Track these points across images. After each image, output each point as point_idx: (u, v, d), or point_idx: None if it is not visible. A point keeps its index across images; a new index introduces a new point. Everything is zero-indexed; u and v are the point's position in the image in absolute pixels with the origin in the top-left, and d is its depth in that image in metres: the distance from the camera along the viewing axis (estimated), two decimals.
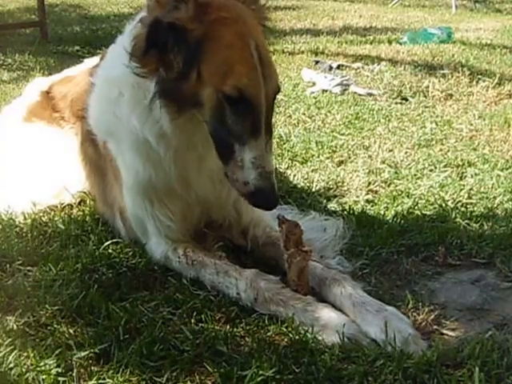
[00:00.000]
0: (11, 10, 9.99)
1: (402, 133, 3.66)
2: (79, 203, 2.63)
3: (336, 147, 3.36)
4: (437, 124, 3.83)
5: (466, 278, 2.09)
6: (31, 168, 2.65)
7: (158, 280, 2.07)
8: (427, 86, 4.68)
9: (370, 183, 2.85)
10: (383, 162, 3.12)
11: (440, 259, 2.18)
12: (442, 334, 1.79)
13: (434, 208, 2.56)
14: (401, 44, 6.76)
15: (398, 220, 2.43)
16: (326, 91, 4.67)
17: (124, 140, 2.12)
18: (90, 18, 9.58)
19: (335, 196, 2.76)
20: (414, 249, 2.24)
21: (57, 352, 1.65)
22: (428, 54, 5.89)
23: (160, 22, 1.80)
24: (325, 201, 2.69)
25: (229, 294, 1.93)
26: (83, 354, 1.65)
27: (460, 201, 2.62)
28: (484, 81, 4.74)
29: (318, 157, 3.24)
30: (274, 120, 1.95)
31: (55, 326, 1.80)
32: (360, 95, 4.58)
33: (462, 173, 2.97)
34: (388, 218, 2.47)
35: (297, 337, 1.71)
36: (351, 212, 2.53)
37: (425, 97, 4.51)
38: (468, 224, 2.40)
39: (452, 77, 4.87)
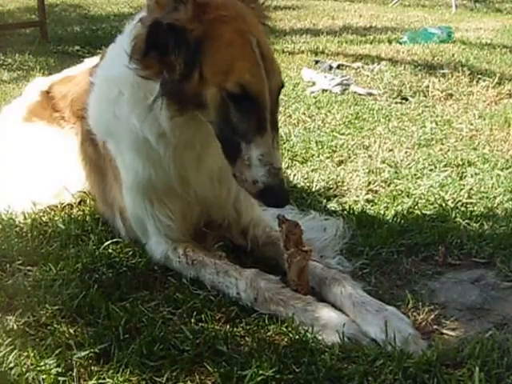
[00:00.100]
0: (11, 9, 9.99)
1: (402, 132, 3.66)
2: (79, 203, 2.64)
3: (336, 147, 3.36)
4: (437, 124, 3.83)
5: (466, 277, 2.09)
6: (31, 168, 2.65)
7: (158, 280, 2.07)
8: (427, 86, 4.68)
9: (369, 183, 2.85)
10: (383, 162, 3.12)
11: (440, 259, 2.18)
12: (442, 333, 1.79)
13: (434, 208, 2.56)
14: (401, 44, 6.76)
15: (398, 220, 2.43)
16: (326, 91, 4.67)
17: (123, 140, 2.12)
18: (90, 17, 9.58)
19: (335, 196, 2.76)
20: (414, 248, 2.24)
21: (57, 352, 1.65)
22: (428, 53, 5.89)
23: (159, 24, 1.79)
24: (325, 200, 2.69)
25: (229, 293, 1.93)
26: (83, 353, 1.65)
27: (460, 200, 2.62)
28: (484, 80, 4.74)
29: (318, 156, 3.24)
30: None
31: (55, 325, 1.80)
32: (360, 95, 4.58)
33: (462, 172, 2.97)
34: (388, 217, 2.47)
35: (297, 336, 1.71)
36: (351, 212, 2.53)
37: (425, 96, 4.52)
38: (468, 224, 2.40)
39: (452, 76, 4.87)
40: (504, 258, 2.16)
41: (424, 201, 2.62)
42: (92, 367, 1.63)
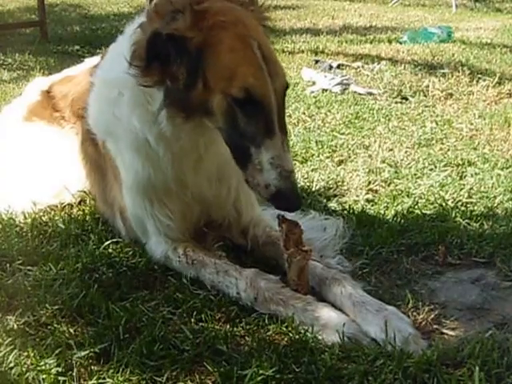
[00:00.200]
0: (11, 9, 10.00)
1: (402, 132, 3.66)
2: (79, 203, 2.64)
3: (336, 146, 3.36)
4: (437, 123, 3.83)
5: (466, 277, 2.09)
6: (31, 167, 2.65)
7: (158, 279, 2.07)
8: (427, 86, 4.68)
9: (370, 182, 2.85)
10: (383, 162, 3.12)
11: (440, 258, 2.18)
12: (442, 333, 1.79)
13: (434, 207, 2.56)
14: (401, 43, 6.77)
15: (398, 219, 2.43)
16: (326, 90, 4.67)
17: (123, 139, 2.11)
18: (90, 17, 9.59)
19: (335, 195, 2.76)
20: (414, 248, 2.24)
21: (57, 351, 1.65)
22: (428, 53, 5.90)
23: (159, 35, 1.79)
24: (325, 200, 2.69)
25: (229, 293, 1.93)
26: (83, 353, 1.65)
27: (460, 200, 2.62)
28: (484, 80, 4.74)
29: (318, 156, 3.24)
30: None
31: (55, 325, 1.80)
32: (360, 94, 4.58)
33: (462, 172, 2.97)
34: (388, 217, 2.47)
35: (297, 336, 1.71)
36: (351, 211, 2.53)
37: (425, 96, 4.52)
38: (468, 223, 2.39)
39: (452, 76, 4.87)
40: (504, 257, 2.16)
41: (424, 200, 2.62)
42: (92, 367, 1.63)
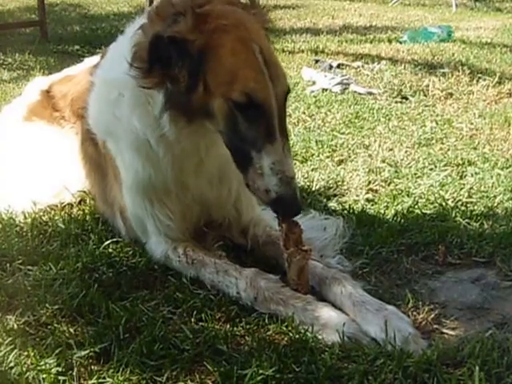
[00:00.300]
0: (11, 9, 9.99)
1: (402, 132, 3.66)
2: (79, 202, 2.64)
3: (336, 146, 3.36)
4: (437, 123, 3.83)
5: (466, 277, 2.09)
6: (31, 167, 2.65)
7: (158, 279, 2.07)
8: (427, 85, 4.68)
9: (370, 182, 2.85)
10: (383, 161, 3.12)
11: (440, 258, 2.18)
12: (442, 333, 1.79)
13: (434, 207, 2.56)
14: (401, 43, 6.76)
15: (398, 219, 2.43)
16: (326, 90, 4.67)
17: (123, 139, 2.11)
18: (90, 17, 9.58)
19: (335, 195, 2.76)
20: (414, 248, 2.24)
21: (57, 351, 1.65)
22: (428, 52, 5.89)
23: (161, 38, 1.78)
24: (325, 200, 2.69)
25: (229, 293, 1.93)
26: (83, 353, 1.65)
27: (460, 200, 2.62)
28: (484, 80, 4.74)
29: (318, 156, 3.24)
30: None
31: (55, 325, 1.80)
32: (360, 94, 4.58)
33: (462, 172, 2.97)
34: (388, 217, 2.47)
35: (297, 336, 1.71)
36: (351, 211, 2.53)
37: (425, 96, 4.52)
38: (468, 223, 2.40)
39: (452, 76, 4.87)
40: (504, 257, 2.16)
41: (424, 200, 2.62)
42: (92, 366, 1.63)
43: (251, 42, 1.81)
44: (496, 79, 4.71)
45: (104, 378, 1.58)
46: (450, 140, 3.49)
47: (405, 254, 2.20)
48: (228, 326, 1.80)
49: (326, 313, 1.77)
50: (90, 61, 2.77)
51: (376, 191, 2.79)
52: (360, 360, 1.60)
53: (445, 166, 3.05)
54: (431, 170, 3.01)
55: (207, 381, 1.59)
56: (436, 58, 5.69)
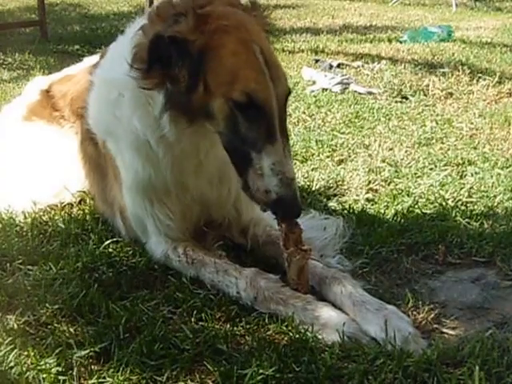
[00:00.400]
0: (11, 9, 9.99)
1: (402, 131, 3.66)
2: (79, 202, 2.64)
3: (336, 146, 3.36)
4: (437, 123, 3.83)
5: (466, 276, 2.09)
6: (31, 167, 2.65)
7: (158, 279, 2.07)
8: (427, 85, 4.68)
9: (370, 182, 2.85)
10: (383, 161, 3.12)
11: (440, 258, 2.18)
12: (442, 332, 1.79)
13: (434, 207, 2.56)
14: (401, 42, 6.76)
15: (398, 219, 2.43)
16: (326, 90, 4.67)
17: (123, 139, 2.11)
18: (90, 16, 9.58)
19: (335, 195, 2.76)
20: (414, 247, 2.24)
21: (57, 351, 1.65)
22: (428, 52, 5.89)
23: (161, 37, 1.78)
24: (325, 199, 2.69)
25: (229, 292, 1.93)
26: (83, 352, 1.65)
27: (460, 199, 2.62)
28: (484, 79, 4.74)
29: (318, 155, 3.24)
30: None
31: (55, 324, 1.80)
32: (360, 94, 4.58)
33: (462, 171, 2.97)
34: (388, 216, 2.47)
35: (297, 335, 1.71)
36: (351, 211, 2.53)
37: (425, 95, 4.51)
38: (468, 223, 2.40)
39: (452, 75, 4.87)
40: (504, 256, 2.16)
41: (424, 200, 2.62)
42: (92, 366, 1.63)
43: (252, 42, 1.81)
44: (496, 79, 4.71)
45: (104, 377, 1.58)
46: (450, 140, 3.49)
47: (405, 254, 2.20)
48: (228, 326, 1.80)
49: (326, 312, 1.77)
50: (90, 60, 2.77)
51: (376, 191, 2.79)
52: (360, 360, 1.60)
53: (445, 165, 3.05)
54: (431, 169, 3.01)
55: (207, 380, 1.59)
56: (436, 57, 5.69)
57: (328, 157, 3.22)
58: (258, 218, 2.23)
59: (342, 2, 11.08)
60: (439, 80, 4.78)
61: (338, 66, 5.48)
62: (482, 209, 2.54)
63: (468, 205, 2.58)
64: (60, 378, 1.57)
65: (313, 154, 3.25)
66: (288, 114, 1.92)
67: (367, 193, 2.76)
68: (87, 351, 1.65)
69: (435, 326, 1.82)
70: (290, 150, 1.87)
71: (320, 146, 3.35)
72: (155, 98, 1.92)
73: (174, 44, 1.78)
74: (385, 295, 1.94)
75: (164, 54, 1.79)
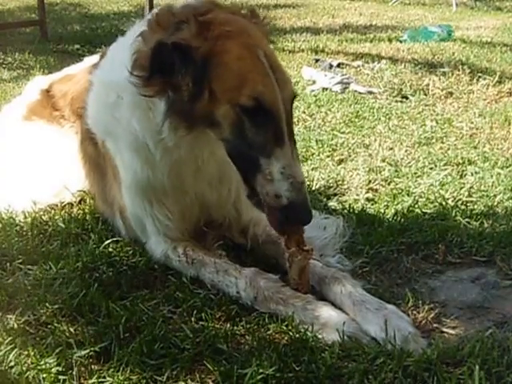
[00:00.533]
0: (11, 8, 9.99)
1: (403, 131, 3.66)
2: (79, 202, 2.64)
3: (336, 145, 3.36)
4: (437, 122, 3.83)
5: (466, 276, 2.09)
6: (31, 167, 2.65)
7: (159, 279, 2.07)
8: (427, 84, 4.68)
9: (370, 181, 2.85)
10: (383, 161, 3.12)
11: (440, 257, 2.18)
12: (442, 332, 1.79)
13: (434, 206, 2.56)
14: (401, 42, 6.76)
15: (398, 218, 2.43)
16: (327, 89, 4.67)
17: (122, 140, 2.11)
18: (90, 16, 9.57)
19: (335, 194, 2.76)
20: (414, 247, 2.24)
21: (57, 351, 1.65)
22: (428, 52, 5.89)
23: (164, 45, 1.77)
24: (325, 199, 2.69)
25: (229, 292, 1.93)
26: (83, 352, 1.65)
27: (460, 199, 2.62)
28: (484, 79, 4.74)
29: (318, 155, 3.24)
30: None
31: (55, 324, 1.80)
32: (360, 93, 4.58)
33: (463, 171, 2.97)
34: (388, 216, 2.47)
35: (297, 335, 1.71)
36: (351, 210, 2.53)
37: (425, 95, 4.52)
38: (468, 222, 2.40)
39: (452, 75, 4.87)
40: (504, 256, 2.16)
41: (424, 199, 2.62)
42: (92, 366, 1.63)
43: (256, 47, 1.81)
44: (496, 78, 4.71)
45: (104, 377, 1.58)
46: (450, 139, 3.49)
47: (405, 253, 2.20)
48: (228, 326, 1.80)
49: (326, 312, 1.77)
50: (90, 60, 2.77)
51: (376, 190, 2.79)
52: (360, 359, 1.60)
53: (445, 165, 3.05)
54: (431, 169, 3.01)
55: (207, 380, 1.59)
56: (436, 57, 5.68)
57: (328, 156, 3.22)
58: (257, 218, 2.22)
59: (342, 2, 11.07)
60: (439, 79, 4.78)
61: (338, 65, 5.48)
62: (482, 208, 2.54)
63: (468, 204, 2.58)
64: (60, 377, 1.57)
65: (313, 154, 3.25)
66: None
67: (367, 192, 2.75)
68: (87, 351, 1.65)
69: (435, 325, 1.82)
70: (298, 154, 1.86)
71: (320, 145, 3.35)
72: (156, 105, 1.91)
73: (177, 51, 1.77)
74: (385, 295, 1.94)
75: (167, 61, 1.77)
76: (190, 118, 1.85)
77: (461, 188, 2.72)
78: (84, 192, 2.63)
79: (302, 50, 6.27)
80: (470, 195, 2.67)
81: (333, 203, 2.65)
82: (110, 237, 2.28)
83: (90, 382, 1.57)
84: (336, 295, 1.86)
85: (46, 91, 2.85)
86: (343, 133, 3.61)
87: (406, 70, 5.16)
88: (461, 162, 3.08)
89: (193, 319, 1.82)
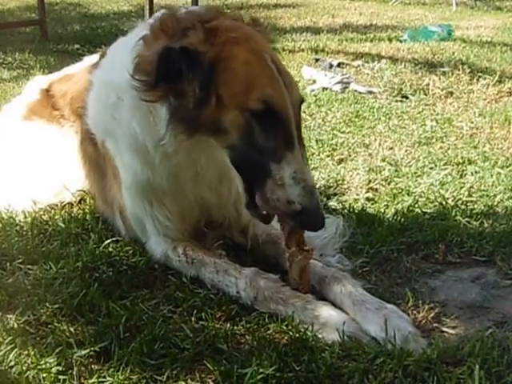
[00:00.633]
0: (11, 8, 9.98)
1: (403, 131, 3.66)
2: (79, 202, 2.63)
3: (336, 145, 3.36)
4: (437, 122, 3.83)
5: (466, 275, 2.09)
6: (31, 166, 2.65)
7: (159, 278, 2.07)
8: (427, 84, 4.68)
9: (370, 181, 2.85)
10: (383, 160, 3.12)
11: (440, 257, 2.18)
12: (442, 331, 1.79)
13: (434, 206, 2.56)
14: (401, 42, 6.76)
15: (398, 218, 2.43)
16: (327, 89, 4.67)
17: (122, 140, 2.11)
18: (90, 16, 9.57)
19: (335, 194, 2.76)
20: (414, 247, 2.24)
21: (57, 350, 1.65)
22: (428, 51, 5.89)
23: (171, 50, 1.76)
24: (325, 199, 2.69)
25: (229, 292, 1.93)
26: (84, 352, 1.65)
27: (460, 199, 2.62)
28: (484, 78, 4.74)
29: (319, 155, 3.24)
30: None
31: (55, 324, 1.80)
32: (360, 93, 4.58)
33: (463, 171, 2.97)
34: (388, 215, 2.47)
35: (297, 335, 1.71)
36: (351, 210, 2.53)
37: (425, 95, 4.51)
38: (468, 222, 2.40)
39: (452, 74, 4.87)
40: (504, 255, 2.16)
41: (424, 199, 2.62)
42: (92, 366, 1.63)
43: (262, 52, 1.82)
44: (496, 78, 4.71)
45: (104, 377, 1.58)
46: (450, 139, 3.49)
47: (405, 253, 2.20)
48: (228, 325, 1.80)
49: (326, 312, 1.77)
50: (90, 60, 2.77)
51: (376, 190, 2.79)
52: (360, 359, 1.60)
53: (445, 164, 3.05)
54: (431, 168, 3.01)
55: (207, 380, 1.59)
56: (436, 56, 5.68)
57: (328, 156, 3.22)
58: None
59: (343, 1, 11.07)
60: (439, 79, 4.78)
61: (338, 65, 5.48)
62: (482, 208, 2.54)
63: (468, 204, 2.58)
64: (60, 377, 1.57)
65: (313, 154, 3.25)
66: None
67: (367, 192, 2.76)
68: (87, 350, 1.65)
69: (435, 325, 1.82)
70: (307, 157, 1.85)
71: (320, 145, 3.35)
72: (157, 109, 1.91)
73: (184, 56, 1.76)
74: (385, 294, 1.94)
75: (173, 66, 1.76)
76: (195, 124, 1.83)
77: (461, 188, 2.72)
78: (84, 192, 2.63)
79: (302, 50, 6.27)
80: (470, 195, 2.67)
81: (333, 203, 2.65)
82: (110, 237, 2.28)
83: (90, 381, 1.57)
84: (336, 295, 1.86)
85: (45, 91, 2.84)
86: (343, 132, 3.61)
87: (406, 69, 5.16)
88: (461, 161, 3.08)
89: (193, 319, 1.82)
